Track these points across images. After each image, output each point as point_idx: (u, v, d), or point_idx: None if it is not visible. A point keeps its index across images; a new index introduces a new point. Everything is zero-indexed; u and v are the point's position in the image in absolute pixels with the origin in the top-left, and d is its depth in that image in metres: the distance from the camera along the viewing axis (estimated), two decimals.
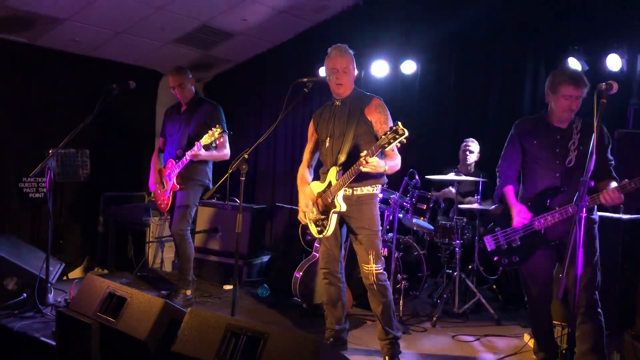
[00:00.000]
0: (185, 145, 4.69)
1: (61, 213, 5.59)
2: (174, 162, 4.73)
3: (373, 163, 3.18)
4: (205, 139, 4.40)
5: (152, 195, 5.04)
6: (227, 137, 4.76)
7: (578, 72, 3.31)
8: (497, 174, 3.56)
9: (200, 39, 6.34)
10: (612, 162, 3.27)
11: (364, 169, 3.22)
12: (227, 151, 4.79)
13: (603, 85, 2.82)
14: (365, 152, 3.18)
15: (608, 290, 3.21)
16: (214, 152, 4.69)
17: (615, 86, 2.82)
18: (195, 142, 4.51)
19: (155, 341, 2.70)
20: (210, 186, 4.80)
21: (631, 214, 3.68)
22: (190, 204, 4.74)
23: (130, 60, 6.17)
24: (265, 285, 4.74)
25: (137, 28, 5.85)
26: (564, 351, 3.62)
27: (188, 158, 4.54)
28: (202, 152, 4.51)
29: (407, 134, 3.01)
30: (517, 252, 3.37)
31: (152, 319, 2.73)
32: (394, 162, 3.45)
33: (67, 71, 6.14)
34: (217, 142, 4.53)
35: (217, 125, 4.39)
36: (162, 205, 4.86)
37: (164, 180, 4.83)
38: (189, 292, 4.77)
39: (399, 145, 3.09)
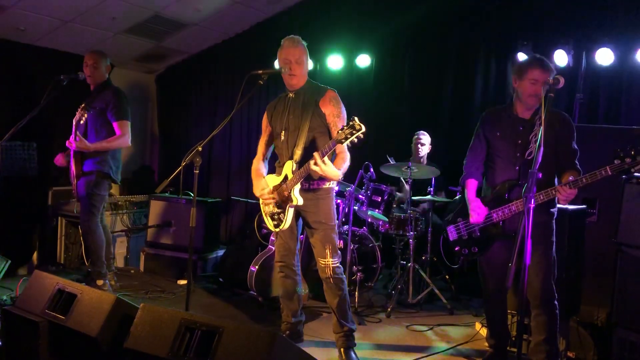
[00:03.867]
0: (83, 132, 4.57)
1: (7, 208, 5.39)
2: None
3: (323, 166, 3.14)
4: None
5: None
6: (126, 124, 4.59)
7: (545, 59, 3.34)
8: (463, 166, 3.56)
9: (153, 29, 6.21)
10: (577, 153, 3.24)
11: (313, 168, 3.17)
12: (122, 140, 4.59)
13: (550, 79, 2.91)
14: (316, 153, 3.14)
15: (555, 278, 3.30)
16: (103, 143, 4.55)
17: (562, 80, 2.89)
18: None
19: (107, 338, 2.65)
20: (112, 175, 4.63)
21: (577, 205, 3.80)
22: (90, 194, 4.57)
23: (79, 51, 5.99)
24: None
25: (87, 17, 5.69)
26: (514, 339, 3.72)
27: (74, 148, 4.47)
28: (89, 144, 4.46)
29: (364, 129, 2.96)
30: (477, 242, 3.43)
31: (104, 315, 2.67)
32: (346, 164, 3.41)
33: (12, 61, 5.91)
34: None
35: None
36: (73, 192, 4.70)
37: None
38: (100, 283, 4.65)
39: (355, 140, 2.99)
